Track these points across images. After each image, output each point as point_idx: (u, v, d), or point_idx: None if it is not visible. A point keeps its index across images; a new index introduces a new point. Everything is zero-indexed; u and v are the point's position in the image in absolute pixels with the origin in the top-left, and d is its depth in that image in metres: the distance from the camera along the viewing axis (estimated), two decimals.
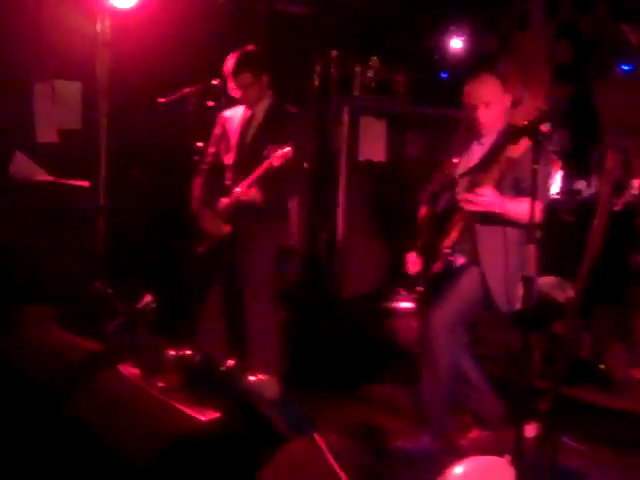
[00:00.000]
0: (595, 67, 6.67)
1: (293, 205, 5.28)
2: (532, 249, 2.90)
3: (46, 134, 5.51)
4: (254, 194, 4.29)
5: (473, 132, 3.83)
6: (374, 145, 6.50)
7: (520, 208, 3.45)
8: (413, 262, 3.96)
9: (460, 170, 3.84)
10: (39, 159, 5.28)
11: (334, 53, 4.00)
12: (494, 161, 3.53)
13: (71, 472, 2.68)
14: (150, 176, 5.76)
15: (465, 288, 3.70)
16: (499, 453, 3.04)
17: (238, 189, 4.32)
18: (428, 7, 6.62)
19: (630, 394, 4.18)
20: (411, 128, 6.68)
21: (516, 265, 3.61)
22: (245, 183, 4.30)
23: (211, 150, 4.66)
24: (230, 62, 4.45)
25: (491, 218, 3.61)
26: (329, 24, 6.14)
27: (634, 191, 4.37)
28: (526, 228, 3.41)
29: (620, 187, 4.42)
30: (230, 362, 3.73)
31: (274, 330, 4.42)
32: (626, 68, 6.52)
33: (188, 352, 3.64)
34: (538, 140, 3.07)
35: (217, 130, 4.67)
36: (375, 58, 5.54)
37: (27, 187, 5.06)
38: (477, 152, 3.82)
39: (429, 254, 3.87)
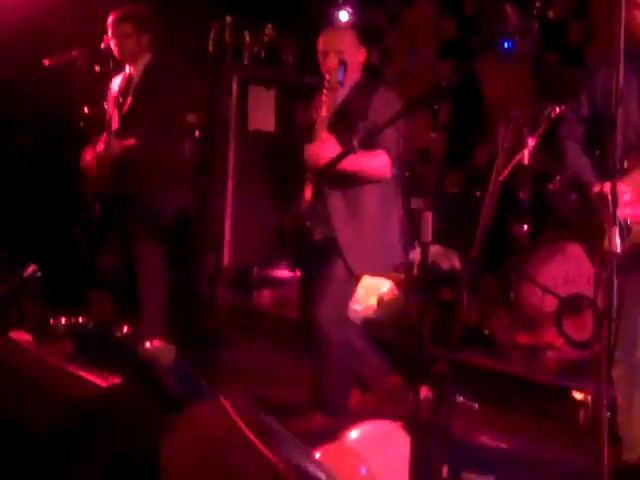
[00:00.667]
0: (478, 43, 6.87)
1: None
2: (428, 215, 2.95)
3: None
4: (115, 148, 4.26)
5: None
6: (263, 115, 6.49)
7: (365, 160, 3.44)
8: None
9: (316, 124, 3.71)
10: None
11: (228, 19, 3.97)
12: (343, 115, 3.52)
13: None
14: (35, 142, 5.55)
15: (336, 276, 3.64)
16: (388, 416, 3.14)
17: (99, 146, 4.31)
18: None
19: (512, 357, 4.37)
20: (300, 98, 6.69)
21: (373, 225, 3.61)
22: (104, 138, 4.29)
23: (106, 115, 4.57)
24: (112, 15, 4.42)
25: (340, 177, 3.49)
26: None
27: (524, 161, 4.54)
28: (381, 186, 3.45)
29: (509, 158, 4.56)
30: (125, 328, 3.68)
31: (163, 295, 4.40)
32: (507, 45, 6.73)
33: (80, 319, 3.56)
34: (434, 111, 3.12)
35: (107, 95, 4.60)
36: (270, 26, 5.51)
37: None
38: (327, 107, 3.67)
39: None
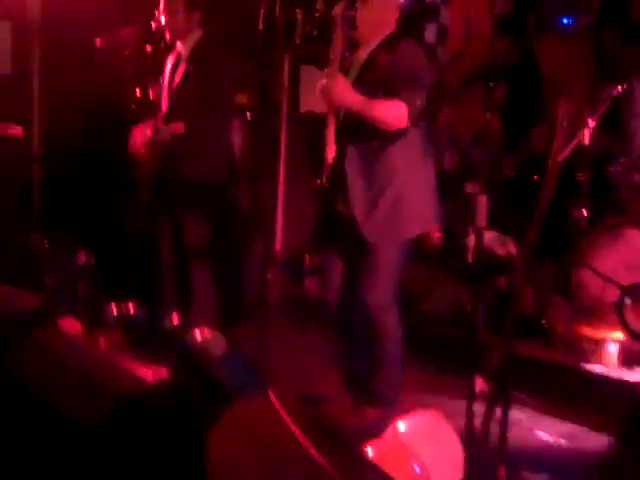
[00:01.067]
0: (535, 19, 6.67)
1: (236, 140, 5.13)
2: (483, 199, 2.84)
3: None
4: (164, 134, 4.21)
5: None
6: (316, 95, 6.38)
7: (384, 108, 3.31)
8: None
9: None
10: None
11: None
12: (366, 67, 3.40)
13: (11, 433, 2.58)
14: (87, 123, 5.53)
15: (378, 260, 3.46)
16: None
17: (148, 131, 4.26)
18: None
19: (571, 348, 4.24)
20: None
21: (395, 187, 3.43)
22: (151, 124, 4.24)
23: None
24: None
25: (357, 130, 3.37)
26: None
27: (584, 142, 4.37)
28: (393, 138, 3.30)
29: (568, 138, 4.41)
30: (175, 318, 3.65)
31: (212, 282, 4.35)
32: (566, 21, 6.52)
33: (131, 308, 3.53)
34: (490, 89, 3.00)
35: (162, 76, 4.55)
36: (321, 0, 5.41)
37: None
38: (354, 64, 3.59)
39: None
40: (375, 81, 3.38)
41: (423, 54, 3.53)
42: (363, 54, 3.57)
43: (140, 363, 2.63)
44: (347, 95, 3.31)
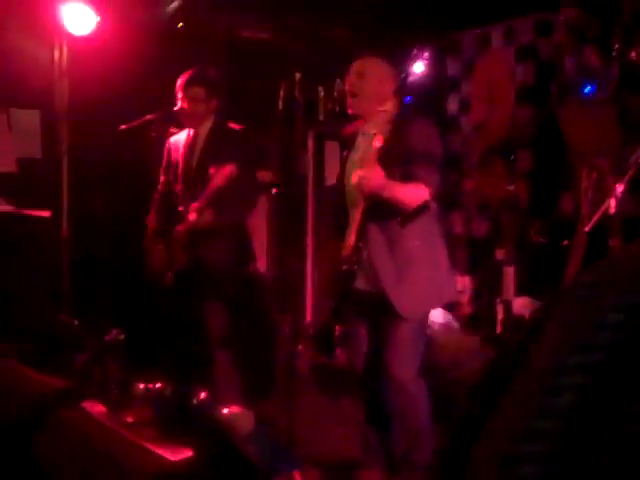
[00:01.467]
0: (557, 89, 6.71)
1: (258, 225, 5.21)
2: (510, 271, 2.81)
3: (4, 163, 5.37)
4: (207, 217, 4.23)
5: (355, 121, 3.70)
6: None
7: (406, 191, 3.36)
8: None
9: (349, 165, 3.66)
10: None
11: (298, 76, 3.95)
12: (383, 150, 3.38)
13: None
14: (113, 205, 5.62)
15: (399, 328, 3.48)
16: None
17: (191, 215, 4.26)
18: (390, 30, 6.62)
19: None
20: None
21: (413, 261, 3.46)
22: (196, 207, 4.23)
23: (162, 179, 4.62)
24: (184, 77, 4.44)
25: (379, 211, 3.40)
26: (293, 48, 6.11)
27: (610, 210, 4.34)
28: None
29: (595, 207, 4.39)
30: (202, 395, 3.61)
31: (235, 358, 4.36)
32: (588, 89, 6.56)
33: (158, 385, 3.51)
34: (511, 160, 3.01)
35: (164, 158, 4.64)
36: (339, 80, 5.50)
37: None
38: (362, 143, 3.63)
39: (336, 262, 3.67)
40: (392, 164, 3.40)
41: (435, 132, 3.58)
42: (367, 129, 3.61)
43: (164, 441, 2.59)
44: (382, 184, 3.35)
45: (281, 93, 3.89)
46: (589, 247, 3.03)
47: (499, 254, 6.08)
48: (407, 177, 3.39)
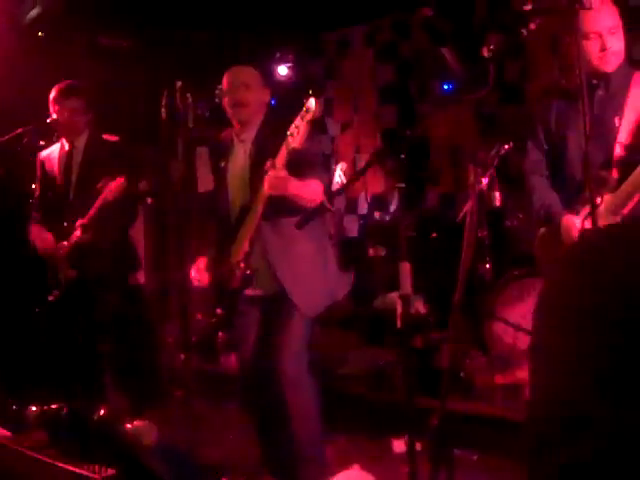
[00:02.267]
0: (416, 88, 6.97)
1: (135, 235, 5.16)
2: (406, 266, 2.92)
3: None
4: (93, 233, 4.20)
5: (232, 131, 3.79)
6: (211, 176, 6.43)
7: (307, 187, 3.45)
8: (200, 273, 3.78)
9: (230, 173, 3.75)
10: None
11: (179, 84, 3.93)
12: (271, 154, 3.45)
13: None
14: None
15: (291, 323, 3.55)
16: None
17: (77, 232, 4.21)
18: (252, 32, 6.68)
19: (491, 399, 4.33)
20: None
21: (309, 261, 3.58)
22: (82, 224, 4.18)
23: (37, 193, 4.52)
24: (59, 88, 4.35)
25: (274, 216, 3.49)
26: (155, 55, 6.06)
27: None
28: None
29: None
30: (102, 411, 3.54)
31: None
32: (446, 87, 6.84)
33: (53, 406, 3.41)
34: (400, 162, 3.14)
35: (38, 173, 4.52)
36: (220, 87, 5.49)
37: None
38: (240, 151, 3.71)
39: (222, 267, 3.70)
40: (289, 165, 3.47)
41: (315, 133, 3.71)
42: (245, 137, 3.68)
43: (79, 463, 2.55)
44: (290, 183, 3.41)
45: (163, 101, 3.87)
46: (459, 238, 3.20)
47: (372, 251, 6.28)
48: (301, 174, 3.45)
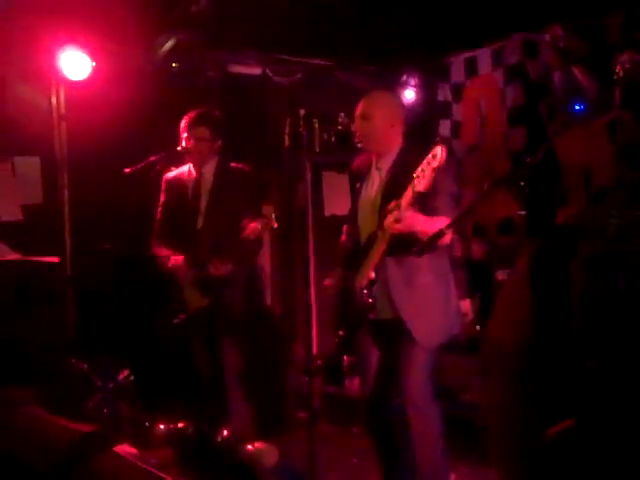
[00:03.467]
0: (547, 109, 6.80)
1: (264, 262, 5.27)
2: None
3: (10, 212, 5.39)
4: (227, 267, 4.28)
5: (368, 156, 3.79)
6: (338, 199, 6.49)
7: (435, 224, 3.40)
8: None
9: (363, 197, 3.79)
10: (3, 237, 5.15)
11: (302, 112, 4.03)
12: (401, 190, 3.42)
13: None
14: (117, 245, 5.64)
15: (413, 354, 3.57)
16: None
17: (213, 267, 4.30)
18: (378, 58, 6.71)
19: None
20: None
21: (429, 296, 3.59)
22: (219, 260, 4.29)
23: (159, 217, 4.67)
24: (189, 117, 4.50)
25: (399, 247, 3.47)
26: (284, 83, 6.18)
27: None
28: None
29: None
30: (225, 432, 3.62)
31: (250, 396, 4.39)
32: (578, 108, 6.64)
33: (180, 425, 3.51)
34: (520, 189, 3.08)
35: (163, 196, 4.67)
36: (342, 114, 5.56)
37: None
38: (376, 178, 3.73)
39: (345, 292, 3.73)
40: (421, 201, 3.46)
41: (453, 165, 3.69)
42: (381, 164, 3.71)
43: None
44: (417, 221, 3.42)
45: (287, 129, 3.96)
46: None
47: (499, 275, 6.14)
48: (430, 211, 3.47)
